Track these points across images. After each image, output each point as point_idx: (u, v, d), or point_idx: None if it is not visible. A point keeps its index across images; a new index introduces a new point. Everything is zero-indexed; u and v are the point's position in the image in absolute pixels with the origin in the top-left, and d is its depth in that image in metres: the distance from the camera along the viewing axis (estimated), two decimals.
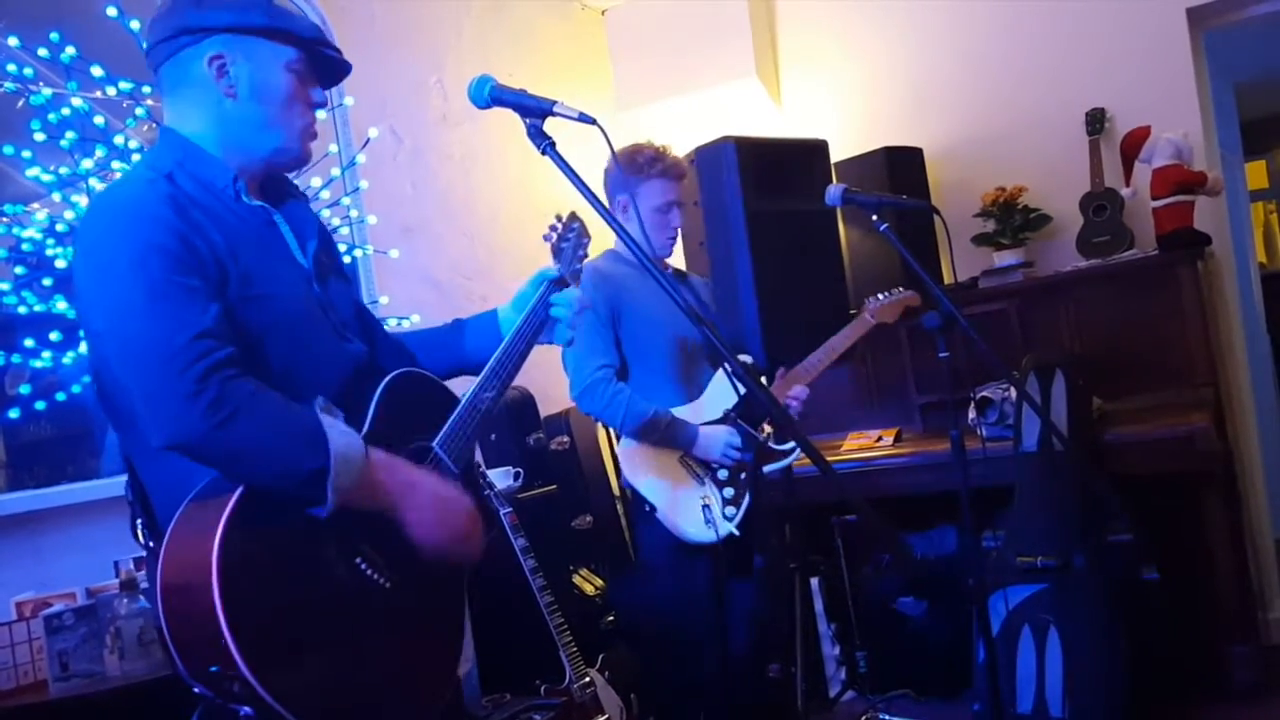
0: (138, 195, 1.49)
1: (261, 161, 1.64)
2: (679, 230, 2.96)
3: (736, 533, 2.78)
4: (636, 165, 2.88)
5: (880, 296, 3.17)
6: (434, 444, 1.68)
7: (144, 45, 1.63)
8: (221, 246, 1.50)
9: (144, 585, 2.49)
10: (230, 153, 1.60)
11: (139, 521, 1.55)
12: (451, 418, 1.71)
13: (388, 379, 1.63)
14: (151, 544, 1.52)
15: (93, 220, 1.50)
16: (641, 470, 2.83)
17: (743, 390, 2.71)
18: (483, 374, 1.77)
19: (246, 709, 1.36)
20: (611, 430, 2.90)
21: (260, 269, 1.55)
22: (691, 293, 3.06)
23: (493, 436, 3.65)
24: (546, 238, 2.01)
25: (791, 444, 2.94)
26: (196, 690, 1.39)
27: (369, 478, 1.46)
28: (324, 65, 1.69)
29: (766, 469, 2.93)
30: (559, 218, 2.04)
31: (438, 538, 1.56)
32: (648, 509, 2.82)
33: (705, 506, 2.79)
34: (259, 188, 1.66)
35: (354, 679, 1.44)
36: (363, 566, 1.48)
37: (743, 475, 2.84)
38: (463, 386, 1.79)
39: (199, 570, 1.32)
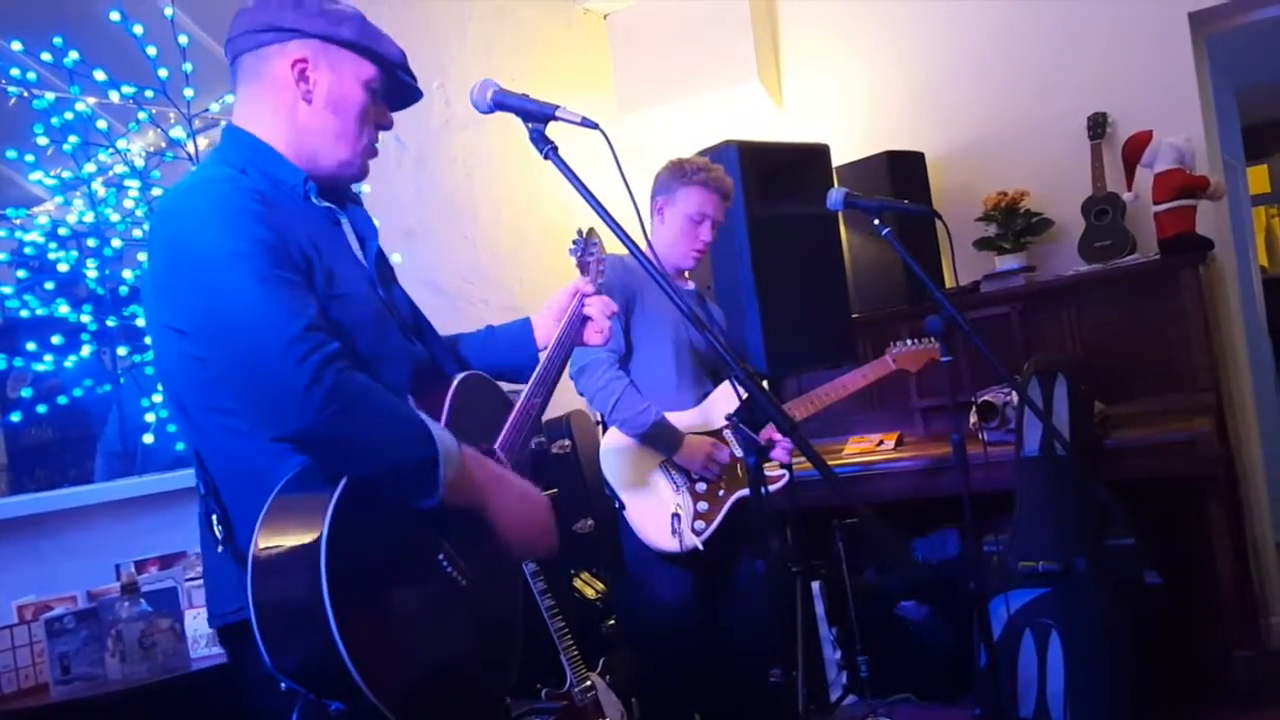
0: (228, 191, 1.48)
1: (323, 171, 1.64)
2: (707, 245, 2.95)
3: (700, 548, 2.74)
4: (682, 171, 2.93)
5: (907, 343, 3.24)
6: (495, 446, 1.70)
7: (231, 32, 1.63)
8: (308, 243, 1.50)
9: (147, 586, 2.49)
10: (297, 156, 1.61)
11: (214, 516, 1.52)
12: (508, 421, 1.74)
13: (458, 380, 1.65)
14: (225, 538, 1.50)
15: (184, 215, 1.47)
16: (619, 466, 2.83)
17: (744, 394, 2.70)
18: (531, 379, 1.81)
19: (338, 704, 1.35)
20: (600, 416, 2.89)
21: (339, 268, 1.56)
22: (708, 316, 3.06)
23: (534, 442, 3.65)
24: (572, 252, 2.06)
25: (781, 471, 2.94)
26: (284, 686, 1.37)
27: (465, 471, 1.47)
28: (397, 89, 1.72)
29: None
30: (580, 232, 2.09)
31: (521, 531, 1.59)
32: (617, 505, 2.82)
33: (675, 515, 2.76)
34: (320, 192, 1.67)
35: (437, 673, 1.44)
36: (444, 564, 1.48)
37: (720, 492, 2.82)
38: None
39: (305, 560, 1.31)
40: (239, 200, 1.46)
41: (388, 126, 1.71)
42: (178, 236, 1.46)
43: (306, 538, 1.33)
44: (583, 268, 2.04)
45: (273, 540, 1.37)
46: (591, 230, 2.11)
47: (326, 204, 1.64)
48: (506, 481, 1.59)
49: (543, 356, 1.85)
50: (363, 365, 1.48)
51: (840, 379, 3.15)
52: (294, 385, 1.32)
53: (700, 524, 2.78)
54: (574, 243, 2.07)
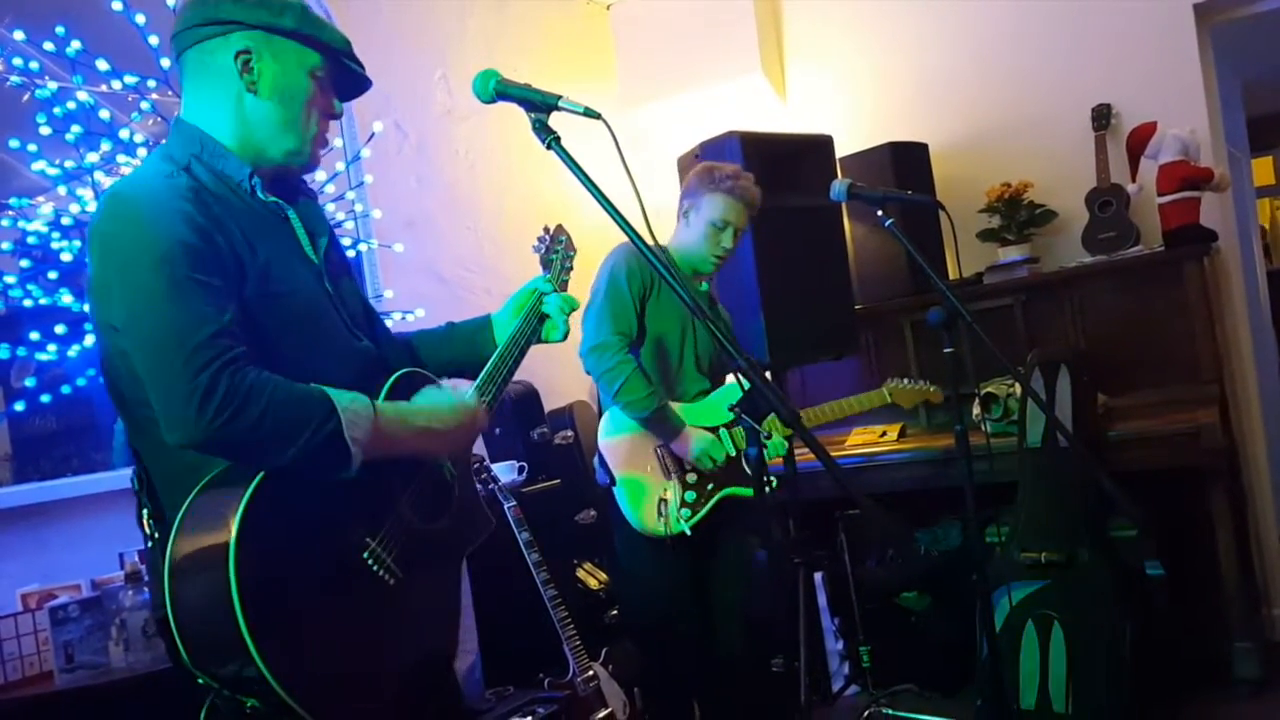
0: (160, 190, 1.49)
1: (272, 162, 1.64)
2: (729, 253, 2.97)
3: (688, 532, 2.78)
4: (711, 178, 2.95)
5: (905, 381, 3.39)
6: None
7: (173, 30, 1.64)
8: (241, 242, 1.51)
9: (146, 577, 2.50)
10: (244, 148, 1.62)
11: (145, 511, 1.55)
12: None
13: (394, 377, 1.66)
14: (157, 534, 1.53)
15: (114, 214, 1.49)
16: (615, 442, 2.86)
17: (747, 385, 2.70)
18: (480, 377, 1.81)
19: (253, 701, 1.37)
20: (602, 396, 2.91)
21: (277, 265, 1.56)
22: (718, 320, 3.07)
23: (497, 431, 3.65)
24: (536, 249, 2.07)
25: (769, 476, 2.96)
26: (200, 681, 1.40)
27: (380, 425, 1.49)
28: (345, 78, 1.72)
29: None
30: (547, 230, 2.11)
31: (465, 445, 1.73)
32: (607, 482, 2.84)
33: (662, 500, 2.79)
34: (269, 184, 1.67)
35: (357, 670, 1.45)
36: (369, 561, 1.49)
37: (709, 486, 2.84)
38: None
39: (214, 559, 1.33)
40: (168, 199, 1.47)
41: (337, 116, 1.72)
42: (107, 233, 1.47)
43: (217, 539, 1.35)
44: (545, 264, 2.05)
45: (187, 540, 1.39)
46: (559, 228, 2.13)
47: (273, 199, 1.64)
48: (435, 414, 1.62)
49: (492, 357, 1.84)
50: (295, 361, 1.49)
51: (836, 402, 3.34)
52: (190, 396, 1.35)
53: (686, 512, 2.80)
54: (539, 239, 2.09)
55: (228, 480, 1.42)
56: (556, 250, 2.08)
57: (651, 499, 2.80)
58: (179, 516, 1.41)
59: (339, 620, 1.44)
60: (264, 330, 1.49)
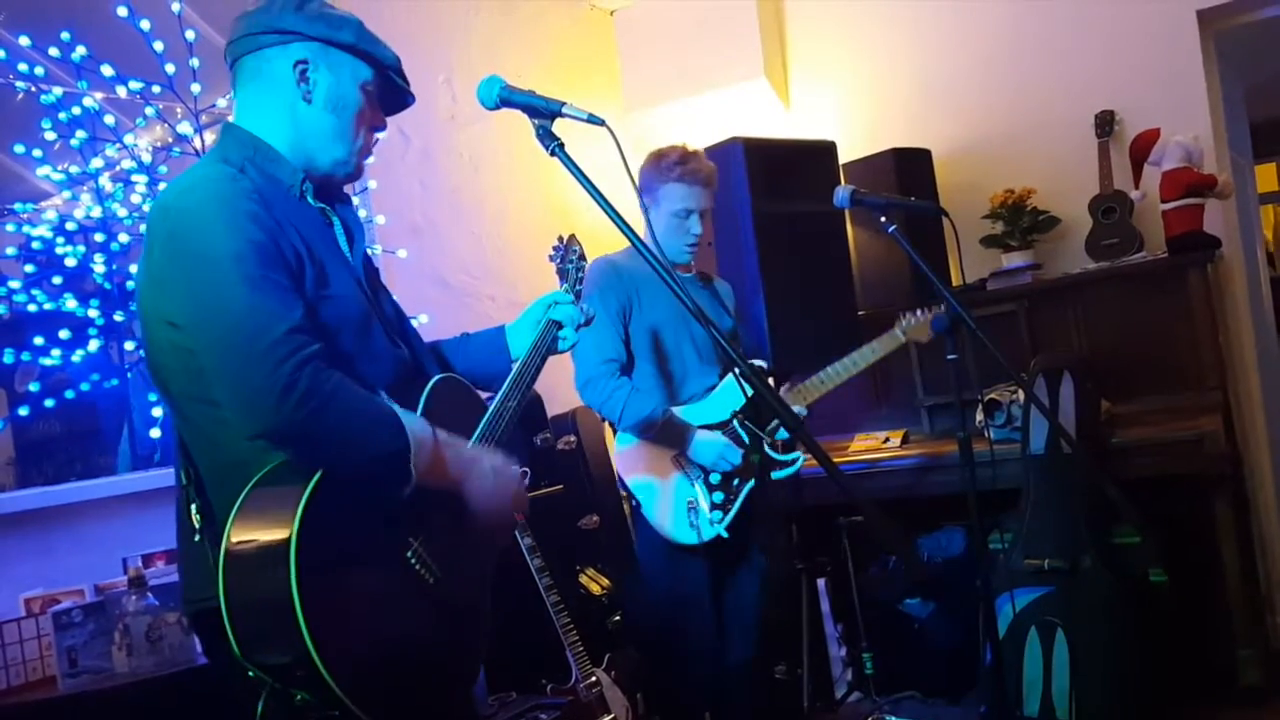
0: (227, 190, 1.51)
1: (320, 170, 1.69)
2: (699, 238, 2.92)
3: (725, 535, 2.76)
4: (659, 169, 2.88)
5: (916, 313, 3.16)
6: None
7: (231, 34, 1.67)
8: (300, 244, 1.54)
9: (154, 580, 2.49)
10: (295, 155, 1.66)
11: (193, 506, 1.56)
12: (482, 422, 1.77)
13: (433, 381, 1.70)
14: (203, 527, 1.54)
15: (182, 211, 1.50)
16: (634, 466, 2.83)
17: (751, 393, 2.70)
18: (506, 383, 1.84)
19: (303, 694, 1.39)
20: (609, 424, 2.90)
21: (330, 268, 1.60)
22: (715, 298, 3.05)
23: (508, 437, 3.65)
24: (552, 259, 2.11)
25: (793, 455, 2.93)
26: (250, 675, 1.41)
27: (437, 456, 1.54)
28: (389, 93, 1.76)
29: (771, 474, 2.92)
30: (561, 239, 2.14)
31: (497, 504, 1.67)
32: (634, 504, 2.82)
33: (692, 508, 2.77)
34: (314, 190, 1.70)
35: (402, 666, 1.48)
36: (412, 561, 1.53)
37: (735, 481, 2.82)
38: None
39: (273, 552, 1.35)
40: (236, 199, 1.49)
41: (382, 128, 1.77)
42: (175, 232, 1.49)
43: (278, 533, 1.37)
44: (562, 275, 2.08)
45: (245, 533, 1.41)
46: (572, 237, 2.15)
47: (320, 204, 1.68)
48: (479, 462, 1.65)
49: (516, 364, 1.88)
50: (347, 363, 1.52)
51: (850, 355, 3.12)
52: (271, 387, 1.38)
53: (718, 513, 2.78)
54: (554, 249, 2.12)
55: (282, 478, 1.44)
56: (570, 259, 2.11)
57: (679, 508, 2.77)
58: (234, 510, 1.43)
59: (387, 617, 1.47)
60: (323, 331, 1.52)
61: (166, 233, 1.50)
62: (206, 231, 1.46)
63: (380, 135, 1.79)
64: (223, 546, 1.40)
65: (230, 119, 1.69)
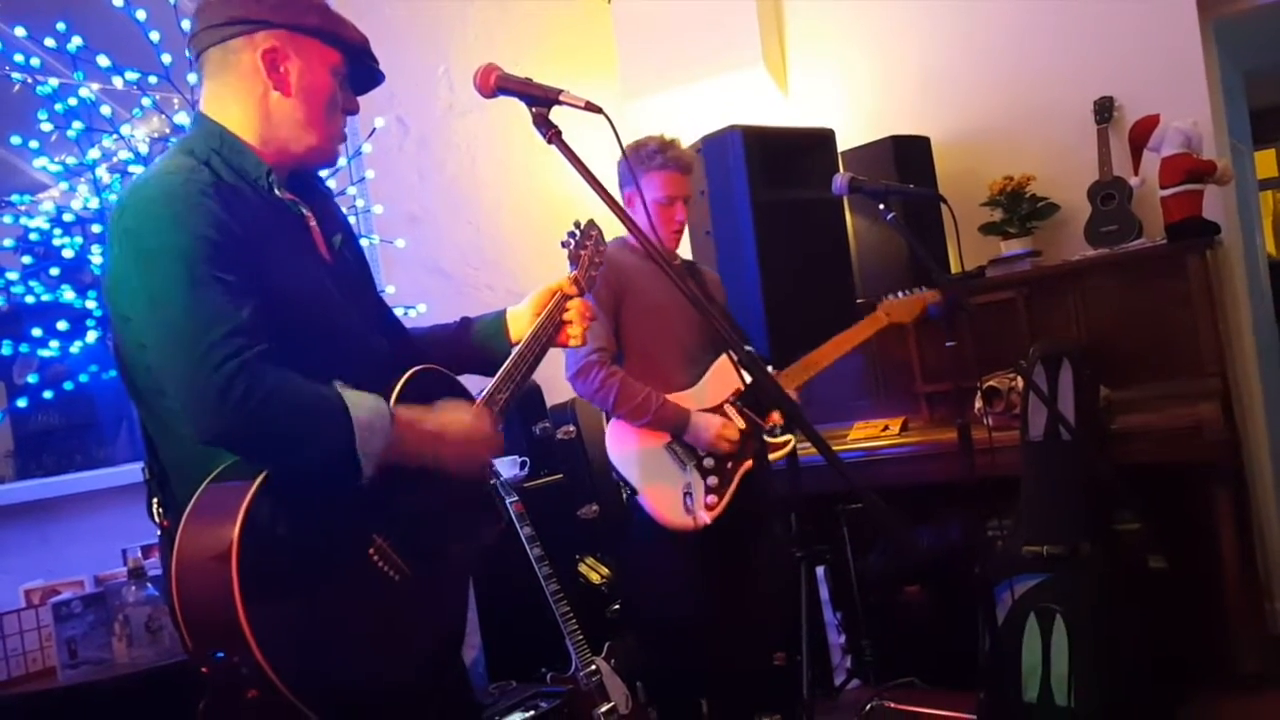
0: (183, 184, 1.49)
1: (294, 158, 1.67)
2: (684, 225, 2.94)
3: (720, 521, 2.77)
4: (640, 157, 2.88)
5: (899, 294, 3.13)
6: None
7: (194, 27, 1.65)
8: (257, 239, 1.52)
9: (153, 571, 2.50)
10: (266, 145, 1.63)
11: (155, 500, 1.57)
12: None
13: (408, 374, 1.66)
14: (167, 523, 1.54)
15: (137, 208, 1.50)
16: (626, 453, 2.84)
17: (749, 379, 2.70)
18: (498, 375, 1.81)
19: (252, 692, 1.38)
20: (603, 412, 2.90)
21: (291, 263, 1.58)
22: (701, 288, 3.05)
23: (499, 426, 3.65)
24: (565, 244, 2.04)
25: (785, 435, 2.94)
26: (203, 671, 1.41)
27: (398, 436, 1.50)
28: (358, 74, 1.74)
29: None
30: (578, 225, 2.07)
31: (474, 465, 1.68)
32: (628, 493, 2.82)
33: (687, 494, 2.78)
34: (287, 182, 1.68)
35: (358, 664, 1.46)
36: (376, 559, 1.50)
37: (729, 465, 2.83)
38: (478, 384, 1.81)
39: (218, 552, 1.35)
40: (190, 195, 1.48)
41: (354, 111, 1.73)
42: (129, 228, 1.48)
43: (222, 531, 1.36)
44: (574, 260, 2.02)
45: (193, 531, 1.41)
46: (590, 222, 2.09)
47: (290, 196, 1.65)
48: (447, 431, 1.61)
49: (514, 352, 1.84)
50: (305, 358, 1.49)
51: (836, 338, 3.07)
52: (209, 391, 1.37)
53: (713, 498, 2.79)
54: (569, 234, 2.05)
55: (238, 473, 1.43)
56: (585, 246, 2.05)
57: (675, 496, 2.78)
58: (188, 508, 1.43)
59: (341, 615, 1.44)
60: (278, 326, 1.50)
61: (122, 229, 1.49)
62: (157, 228, 1.45)
63: (352, 117, 1.76)
64: (175, 544, 1.41)
65: (200, 108, 1.66)
